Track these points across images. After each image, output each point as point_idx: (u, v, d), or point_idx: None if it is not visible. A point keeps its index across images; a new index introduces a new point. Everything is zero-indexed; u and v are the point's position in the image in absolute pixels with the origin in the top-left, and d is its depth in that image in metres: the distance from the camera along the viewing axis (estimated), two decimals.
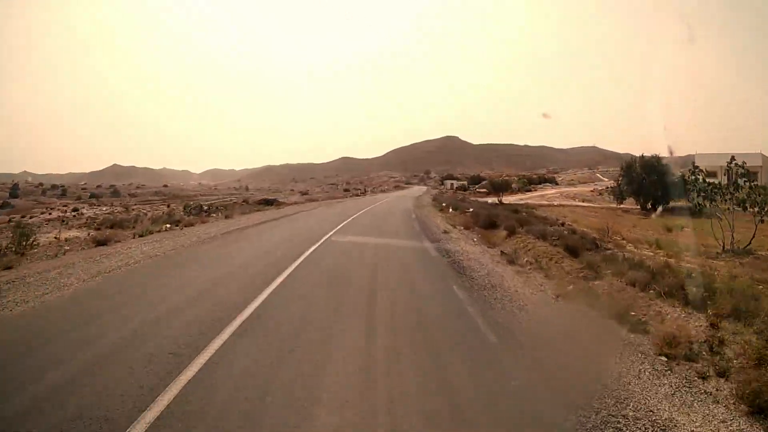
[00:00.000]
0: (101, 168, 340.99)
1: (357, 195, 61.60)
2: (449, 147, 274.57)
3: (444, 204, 30.57)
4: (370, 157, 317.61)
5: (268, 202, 41.16)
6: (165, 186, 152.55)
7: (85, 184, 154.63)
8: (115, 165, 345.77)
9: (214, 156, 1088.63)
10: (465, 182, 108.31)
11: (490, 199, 42.80)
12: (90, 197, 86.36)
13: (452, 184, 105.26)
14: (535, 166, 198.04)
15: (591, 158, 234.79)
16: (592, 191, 50.80)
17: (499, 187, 39.30)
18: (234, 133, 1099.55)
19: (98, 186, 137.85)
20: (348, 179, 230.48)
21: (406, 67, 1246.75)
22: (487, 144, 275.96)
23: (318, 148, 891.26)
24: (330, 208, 34.13)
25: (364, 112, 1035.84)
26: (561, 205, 38.38)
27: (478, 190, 54.67)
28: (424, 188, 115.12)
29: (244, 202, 42.26)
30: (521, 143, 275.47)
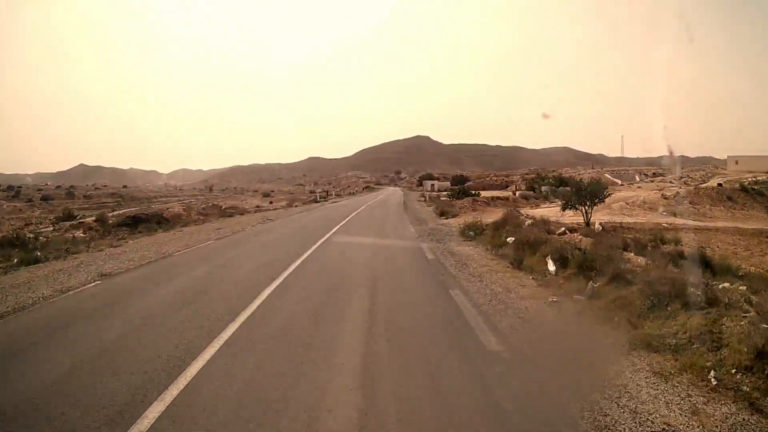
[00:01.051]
0: (68, 168, 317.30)
1: (315, 201, 42.07)
2: (420, 147, 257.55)
3: (505, 238, 11.26)
4: (338, 157, 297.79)
5: (138, 222, 20.92)
6: (124, 187, 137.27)
7: (47, 184, 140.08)
8: (81, 165, 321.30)
9: (182, 156, 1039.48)
10: (449, 183, 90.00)
11: (541, 212, 23.80)
12: (41, 199, 75.20)
13: (433, 185, 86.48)
14: (507, 167, 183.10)
15: (564, 159, 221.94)
16: (664, 198, 32.75)
17: (588, 194, 19.84)
18: (203, 133, 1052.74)
19: (58, 186, 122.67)
20: (316, 179, 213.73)
21: (377, 66, 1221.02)
22: (459, 144, 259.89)
23: (286, 148, 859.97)
24: (242, 242, 14.63)
25: (333, 111, 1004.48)
26: (695, 229, 19.89)
27: (497, 195, 35.77)
28: (399, 190, 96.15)
29: (96, 222, 22.06)
30: (492, 143, 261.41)
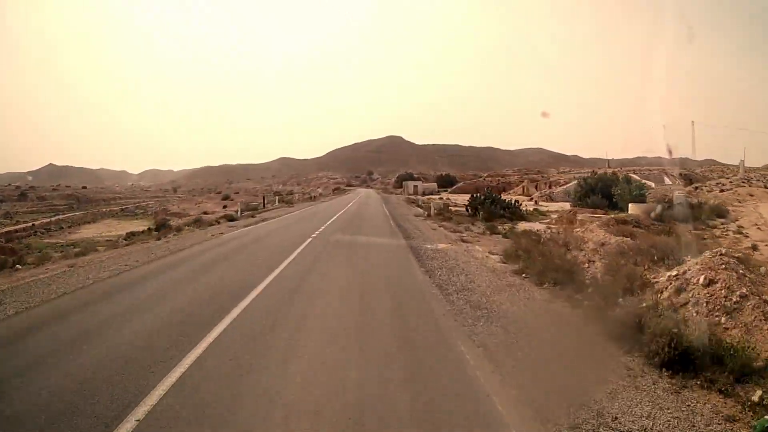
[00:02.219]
0: (37, 168, 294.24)
1: (231, 219, 21.95)
2: (393, 147, 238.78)
3: None
4: (309, 157, 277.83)
5: None
6: (84, 187, 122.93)
7: (9, 185, 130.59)
8: (50, 164, 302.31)
9: (153, 156, 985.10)
10: (435, 185, 71.04)
11: None
12: None
13: (416, 186, 67.28)
14: (481, 168, 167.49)
15: (541, 159, 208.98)
16: None
17: None
18: (175, 134, 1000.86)
19: (17, 187, 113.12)
20: (285, 180, 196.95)
21: (351, 65, 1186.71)
22: (432, 144, 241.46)
23: (257, 148, 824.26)
24: None
25: (305, 111, 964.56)
26: None
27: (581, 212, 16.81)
28: (373, 193, 77.18)
29: None
30: (466, 144, 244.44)
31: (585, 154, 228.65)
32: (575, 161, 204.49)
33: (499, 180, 70.98)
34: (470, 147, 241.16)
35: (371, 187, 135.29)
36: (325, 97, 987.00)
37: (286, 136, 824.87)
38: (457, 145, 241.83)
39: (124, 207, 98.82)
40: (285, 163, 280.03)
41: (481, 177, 70.24)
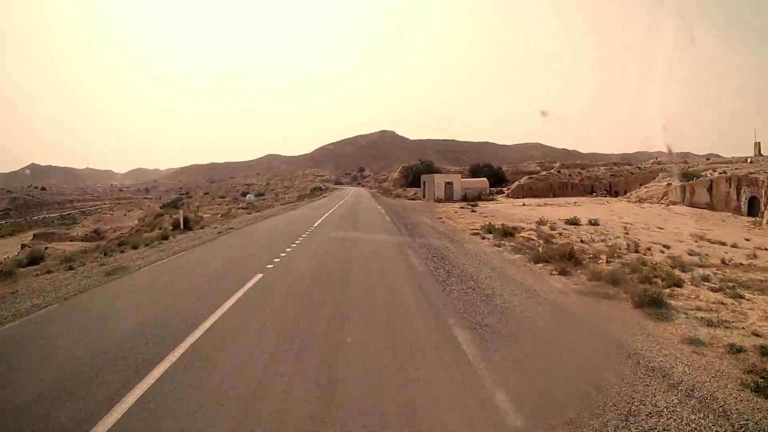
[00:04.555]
0: (18, 168, 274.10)
1: None
2: (384, 142, 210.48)
3: None
4: (297, 154, 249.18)
5: None
6: (43, 189, 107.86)
7: None
8: (32, 164, 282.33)
9: (141, 155, 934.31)
10: (485, 181, 41.26)
11: None
12: None
13: (450, 185, 37.25)
14: (476, 162, 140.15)
15: (542, 154, 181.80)
16: None
17: None
18: (163, 132, 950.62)
19: None
20: (270, 178, 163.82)
21: (341, 59, 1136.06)
22: (427, 139, 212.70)
23: (245, 145, 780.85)
24: None
25: (293, 107, 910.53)
26: None
27: None
28: (367, 196, 48.27)
29: None
30: (462, 139, 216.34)
31: (583, 150, 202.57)
32: (576, 156, 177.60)
33: (579, 172, 40.22)
34: (466, 142, 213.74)
35: (362, 185, 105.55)
36: (315, 93, 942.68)
37: (274, 133, 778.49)
38: (453, 140, 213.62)
39: (66, 213, 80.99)
40: (272, 160, 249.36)
41: (551, 170, 40.13)
